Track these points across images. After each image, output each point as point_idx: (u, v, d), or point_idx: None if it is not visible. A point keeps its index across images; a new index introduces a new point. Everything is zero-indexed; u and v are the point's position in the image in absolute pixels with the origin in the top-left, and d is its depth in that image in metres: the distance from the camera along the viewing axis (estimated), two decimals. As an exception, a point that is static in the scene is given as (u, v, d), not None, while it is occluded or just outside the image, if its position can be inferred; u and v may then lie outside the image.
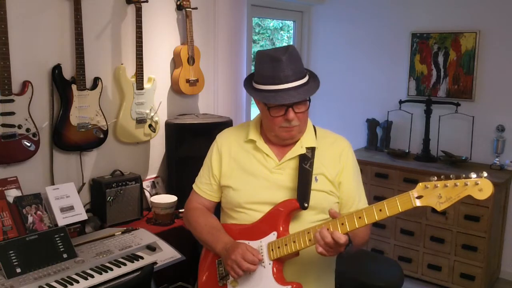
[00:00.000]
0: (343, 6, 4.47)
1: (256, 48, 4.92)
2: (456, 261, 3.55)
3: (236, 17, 3.69)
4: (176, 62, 3.18)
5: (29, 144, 2.36)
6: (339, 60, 4.56)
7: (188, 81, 3.14)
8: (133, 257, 2.20)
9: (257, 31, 4.85)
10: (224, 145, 1.70)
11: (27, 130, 2.34)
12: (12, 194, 2.30)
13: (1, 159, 2.29)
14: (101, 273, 2.04)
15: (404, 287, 2.67)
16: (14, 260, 1.98)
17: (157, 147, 3.12)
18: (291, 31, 4.76)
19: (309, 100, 1.56)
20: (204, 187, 1.74)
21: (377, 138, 4.29)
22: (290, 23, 4.77)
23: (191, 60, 3.14)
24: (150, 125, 2.94)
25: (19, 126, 2.31)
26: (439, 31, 3.95)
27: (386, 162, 3.88)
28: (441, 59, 3.96)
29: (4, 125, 2.25)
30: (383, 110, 4.22)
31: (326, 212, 1.53)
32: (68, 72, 2.54)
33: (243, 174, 1.63)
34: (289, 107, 1.51)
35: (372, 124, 4.28)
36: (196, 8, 3.16)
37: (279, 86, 1.49)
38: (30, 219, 2.29)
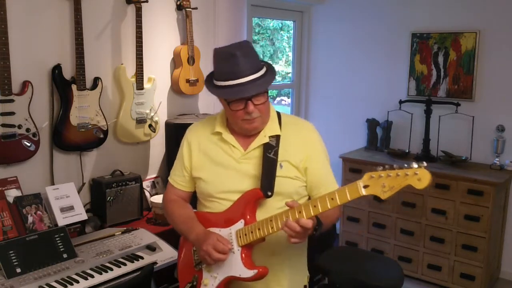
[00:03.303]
0: (343, 6, 4.47)
1: (256, 48, 4.92)
2: (456, 261, 3.55)
3: (236, 17, 3.69)
4: (176, 62, 3.18)
5: (29, 144, 2.36)
6: (339, 60, 4.55)
7: (188, 81, 3.14)
8: (133, 257, 2.21)
9: (257, 31, 4.85)
10: (193, 139, 1.77)
11: (27, 130, 2.34)
12: (12, 194, 2.30)
13: (1, 159, 2.29)
14: (101, 273, 2.04)
15: (404, 287, 2.67)
16: (14, 260, 1.98)
17: (157, 147, 3.12)
18: (291, 31, 4.76)
19: (267, 92, 1.62)
20: (178, 179, 1.81)
21: (377, 138, 4.28)
22: (290, 23, 4.77)
23: (191, 60, 3.14)
24: (150, 125, 2.94)
25: (19, 126, 2.31)
26: (439, 31, 3.95)
27: (386, 162, 3.86)
28: (441, 59, 3.96)
29: (4, 125, 2.26)
30: (383, 110, 4.22)
31: (292, 197, 1.62)
32: (68, 72, 2.54)
33: (213, 165, 1.70)
34: (248, 100, 1.57)
35: (372, 124, 4.28)
36: (196, 8, 3.17)
37: (237, 81, 1.55)
38: (30, 219, 2.29)
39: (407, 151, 4.06)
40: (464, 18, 3.83)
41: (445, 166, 3.71)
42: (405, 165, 1.32)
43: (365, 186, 1.37)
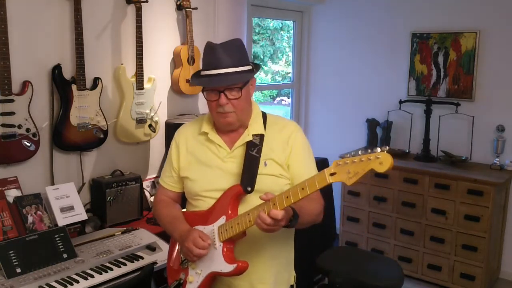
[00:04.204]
0: (343, 6, 4.47)
1: (256, 48, 4.92)
2: (456, 261, 3.55)
3: (236, 17, 3.69)
4: (176, 62, 3.18)
5: (29, 144, 2.36)
6: (339, 60, 4.55)
7: (188, 81, 3.14)
8: (133, 257, 2.21)
9: (257, 31, 4.85)
10: (181, 140, 1.81)
11: (27, 130, 2.34)
12: (12, 194, 2.30)
13: (1, 159, 2.29)
14: (101, 273, 2.04)
15: (404, 287, 2.67)
16: (14, 260, 1.98)
17: (157, 147, 3.12)
18: (291, 31, 4.76)
19: (242, 88, 1.63)
20: (167, 179, 1.85)
21: (377, 138, 4.29)
22: (290, 23, 4.77)
23: (191, 60, 3.14)
24: (150, 125, 2.94)
25: (19, 126, 2.31)
26: (439, 31, 3.95)
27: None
28: (441, 59, 3.96)
29: (4, 125, 2.26)
30: (383, 110, 4.22)
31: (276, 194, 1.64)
32: (68, 72, 2.54)
33: (199, 165, 1.73)
34: (221, 92, 1.60)
35: (372, 124, 4.28)
36: (196, 8, 3.17)
37: (214, 71, 1.60)
38: (30, 219, 2.29)
39: (407, 151, 4.06)
40: (464, 18, 3.84)
41: (445, 166, 3.72)
42: (369, 150, 1.34)
43: (332, 174, 1.39)
